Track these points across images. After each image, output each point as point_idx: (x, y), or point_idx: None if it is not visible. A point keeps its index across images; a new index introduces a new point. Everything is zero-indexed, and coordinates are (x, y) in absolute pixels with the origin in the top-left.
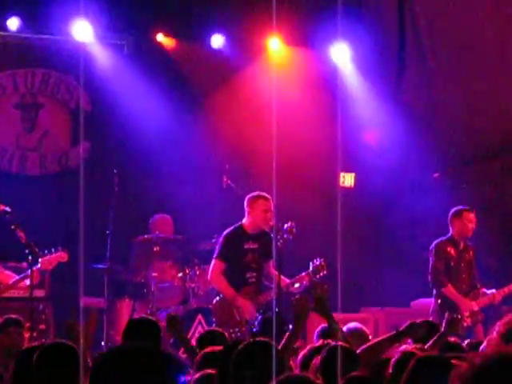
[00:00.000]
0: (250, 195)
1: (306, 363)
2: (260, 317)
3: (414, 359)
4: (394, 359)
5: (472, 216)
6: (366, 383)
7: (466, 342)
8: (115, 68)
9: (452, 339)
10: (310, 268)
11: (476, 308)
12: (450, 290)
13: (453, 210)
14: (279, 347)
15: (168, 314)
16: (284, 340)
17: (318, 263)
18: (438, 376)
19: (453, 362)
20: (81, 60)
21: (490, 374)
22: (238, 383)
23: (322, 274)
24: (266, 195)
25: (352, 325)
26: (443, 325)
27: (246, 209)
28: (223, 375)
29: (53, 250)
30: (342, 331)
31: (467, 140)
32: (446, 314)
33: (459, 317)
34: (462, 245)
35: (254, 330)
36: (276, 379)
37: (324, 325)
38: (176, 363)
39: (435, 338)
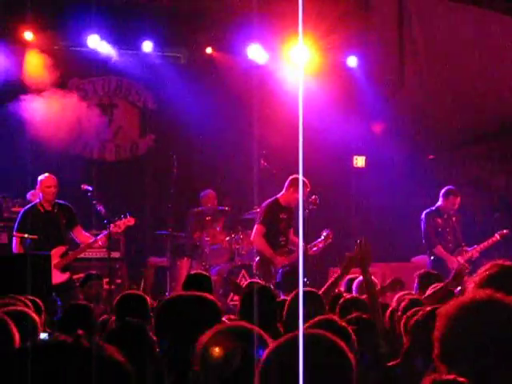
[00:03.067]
0: (294, 177)
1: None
2: (280, 270)
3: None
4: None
5: (457, 200)
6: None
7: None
8: (174, 75)
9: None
10: (322, 237)
11: (462, 261)
12: (439, 250)
13: (445, 190)
14: (322, 290)
15: (235, 282)
16: (326, 285)
17: (325, 233)
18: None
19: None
20: (148, 69)
21: (469, 312)
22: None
23: (328, 242)
24: (305, 180)
25: None
26: (450, 276)
27: (285, 186)
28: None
29: (122, 216)
30: (373, 283)
31: (457, 129)
32: (456, 268)
33: (464, 268)
34: (445, 215)
35: (277, 280)
36: (308, 323)
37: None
38: (216, 309)
39: (440, 287)
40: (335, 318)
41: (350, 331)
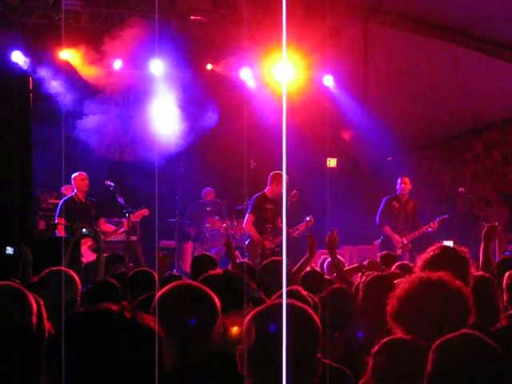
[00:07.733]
0: (273, 173)
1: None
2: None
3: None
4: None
5: (405, 180)
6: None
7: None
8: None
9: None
10: (304, 222)
11: (405, 241)
12: (387, 230)
13: (398, 178)
14: (294, 268)
15: (225, 242)
16: (299, 263)
17: (308, 218)
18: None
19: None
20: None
21: (413, 292)
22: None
23: (311, 225)
24: (282, 173)
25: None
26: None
27: (268, 181)
28: None
29: (138, 208)
30: (340, 263)
31: (411, 135)
32: (381, 253)
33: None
34: (403, 200)
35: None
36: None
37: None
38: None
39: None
40: (299, 288)
41: (311, 300)
